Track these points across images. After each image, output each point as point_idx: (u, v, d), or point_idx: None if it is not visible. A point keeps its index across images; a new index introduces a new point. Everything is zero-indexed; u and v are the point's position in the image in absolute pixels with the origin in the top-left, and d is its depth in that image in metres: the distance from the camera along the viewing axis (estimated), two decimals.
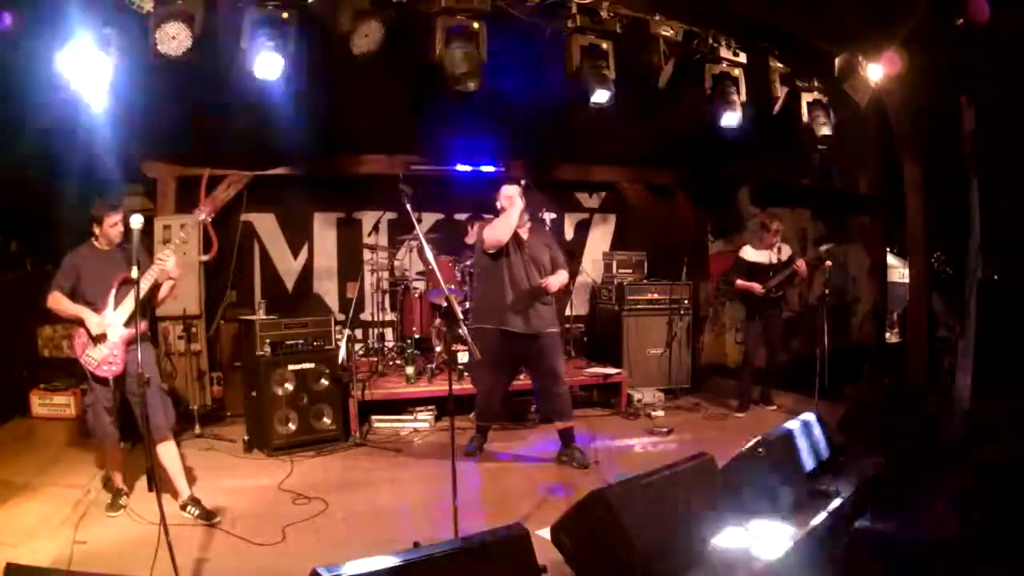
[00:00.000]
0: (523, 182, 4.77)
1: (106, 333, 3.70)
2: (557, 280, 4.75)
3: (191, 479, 4.20)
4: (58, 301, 3.74)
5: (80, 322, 3.70)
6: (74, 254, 3.84)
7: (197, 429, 5.49)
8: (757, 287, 6.09)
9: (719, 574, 3.16)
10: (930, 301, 5.77)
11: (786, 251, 6.27)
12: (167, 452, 3.86)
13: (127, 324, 3.73)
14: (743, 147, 6.83)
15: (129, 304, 3.71)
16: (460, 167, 7.09)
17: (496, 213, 4.81)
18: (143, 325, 3.75)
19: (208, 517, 3.80)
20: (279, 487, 4.38)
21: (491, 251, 4.73)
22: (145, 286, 3.67)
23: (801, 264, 6.03)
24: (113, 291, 3.76)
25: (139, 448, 4.06)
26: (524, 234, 4.82)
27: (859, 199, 9.36)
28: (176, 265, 3.81)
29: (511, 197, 4.70)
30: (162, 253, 3.76)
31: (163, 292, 3.91)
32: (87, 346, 3.71)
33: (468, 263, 6.73)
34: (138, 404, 3.65)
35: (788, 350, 7.23)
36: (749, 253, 6.35)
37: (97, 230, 3.84)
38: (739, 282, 6.23)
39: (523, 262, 4.76)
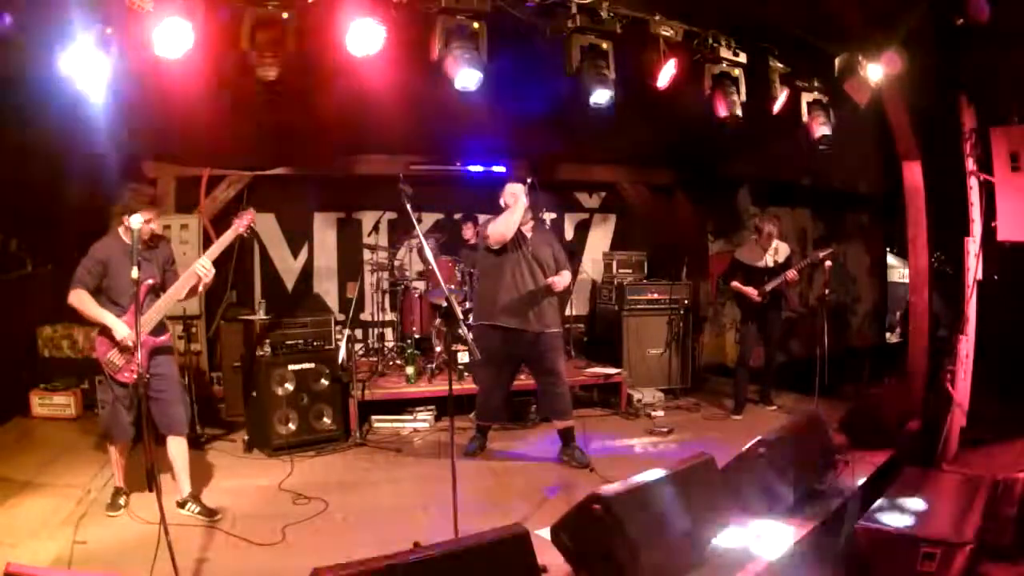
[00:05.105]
0: (529, 180, 4.76)
1: (132, 341, 3.57)
2: (562, 280, 4.76)
3: (191, 478, 4.21)
4: (82, 301, 3.58)
5: (103, 327, 3.60)
6: (101, 247, 3.65)
7: (197, 429, 5.48)
8: (753, 292, 6.03)
9: (719, 574, 3.17)
10: (931, 301, 5.76)
11: (783, 251, 6.20)
12: (178, 447, 3.86)
13: (154, 331, 3.69)
14: (743, 147, 6.83)
15: (156, 310, 3.67)
16: (460, 167, 7.10)
17: (499, 211, 4.81)
18: (167, 336, 3.79)
19: (209, 515, 3.80)
20: (279, 487, 4.38)
21: (495, 247, 4.74)
22: (183, 291, 3.68)
23: (791, 274, 5.95)
24: (141, 296, 3.61)
25: (139, 447, 4.05)
26: (528, 232, 4.83)
27: (859, 199, 9.38)
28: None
29: (515, 194, 4.72)
30: (204, 263, 3.67)
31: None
32: (110, 350, 3.63)
33: (463, 264, 6.74)
34: (154, 402, 3.62)
35: (786, 350, 7.22)
36: (745, 255, 6.29)
37: (126, 222, 3.59)
38: (734, 284, 6.18)
39: (526, 260, 4.76)
